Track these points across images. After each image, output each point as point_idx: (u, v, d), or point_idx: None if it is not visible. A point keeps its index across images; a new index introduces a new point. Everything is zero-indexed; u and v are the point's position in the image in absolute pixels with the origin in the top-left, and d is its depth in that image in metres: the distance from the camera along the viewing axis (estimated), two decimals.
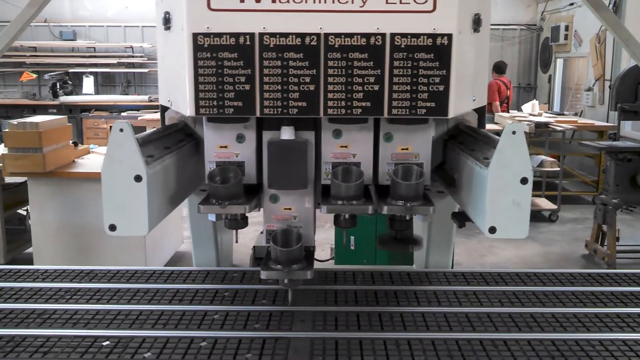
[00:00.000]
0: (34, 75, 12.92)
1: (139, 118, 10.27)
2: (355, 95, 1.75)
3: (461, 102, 1.85)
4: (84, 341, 1.90)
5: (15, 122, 5.04)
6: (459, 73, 1.78)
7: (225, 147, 1.96)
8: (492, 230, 1.71)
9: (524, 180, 1.67)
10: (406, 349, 1.86)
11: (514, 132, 1.66)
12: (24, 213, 6.10)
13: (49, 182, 5.13)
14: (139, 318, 2.07)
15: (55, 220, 5.17)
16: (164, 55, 2.05)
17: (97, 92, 13.22)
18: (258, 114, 1.77)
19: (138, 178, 1.70)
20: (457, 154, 2.03)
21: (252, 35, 1.72)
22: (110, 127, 1.64)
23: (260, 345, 1.88)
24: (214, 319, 2.06)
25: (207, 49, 1.73)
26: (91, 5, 13.55)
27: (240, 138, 1.95)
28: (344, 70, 1.74)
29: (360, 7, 1.72)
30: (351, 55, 1.73)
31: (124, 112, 11.96)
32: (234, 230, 2.09)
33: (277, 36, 1.72)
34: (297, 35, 1.72)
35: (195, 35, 1.73)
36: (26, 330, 1.98)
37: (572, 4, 11.82)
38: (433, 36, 1.73)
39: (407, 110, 1.77)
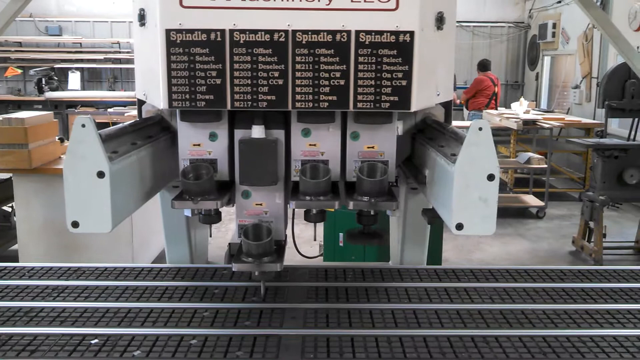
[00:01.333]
0: (19, 71, 12.79)
1: (125, 114, 10.19)
2: (322, 90, 1.82)
3: (424, 97, 1.90)
4: (72, 339, 1.87)
5: (1, 118, 4.98)
6: (421, 68, 1.83)
7: (199, 145, 2.01)
8: (459, 226, 1.72)
9: (490, 177, 1.68)
10: (398, 346, 1.85)
11: (480, 129, 1.66)
12: (9, 210, 6.03)
13: (35, 179, 5.08)
14: (128, 316, 2.04)
15: (41, 217, 5.12)
16: (139, 50, 2.09)
17: (83, 88, 13.10)
18: (229, 107, 1.82)
19: (101, 174, 1.69)
20: (425, 149, 2.07)
21: (222, 31, 1.78)
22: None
23: (251, 343, 1.86)
24: (204, 317, 2.04)
25: (180, 45, 1.79)
26: (77, 1, 13.43)
27: (212, 136, 2.00)
28: (311, 65, 1.80)
29: (327, 5, 1.77)
30: (318, 51, 1.79)
31: (111, 108, 11.85)
32: (209, 226, 2.15)
33: (247, 32, 1.77)
34: (266, 31, 1.77)
35: (168, 32, 1.78)
36: (12, 328, 1.95)
37: (559, 2, 11.90)
38: (396, 33, 1.79)
39: (372, 104, 1.83)
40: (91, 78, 13.72)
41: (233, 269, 1.92)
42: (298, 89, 1.81)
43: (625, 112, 6.60)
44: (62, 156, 5.45)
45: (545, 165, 8.02)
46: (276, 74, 1.80)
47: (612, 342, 1.90)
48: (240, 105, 1.82)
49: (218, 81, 1.80)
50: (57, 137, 5.45)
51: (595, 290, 2.32)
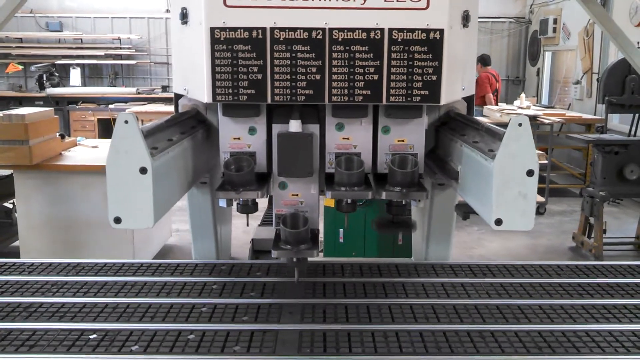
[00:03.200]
0: (20, 67, 12.78)
1: (126, 110, 10.19)
2: (357, 84, 1.92)
3: (452, 91, 2.01)
4: (71, 334, 1.89)
5: (1, 114, 4.98)
6: (449, 64, 1.94)
7: (239, 138, 2.11)
8: (498, 222, 1.74)
9: (530, 173, 1.70)
10: (394, 341, 1.87)
11: (520, 124, 1.69)
12: (10, 206, 6.04)
13: (36, 175, 5.09)
14: (126, 311, 2.06)
15: (42, 214, 5.13)
16: (180, 47, 2.19)
17: (84, 84, 13.10)
18: (269, 100, 1.93)
19: (143, 170, 1.71)
20: (454, 143, 2.13)
21: (264, 29, 1.88)
22: (114, 119, 1.64)
23: (248, 337, 1.88)
24: (202, 312, 2.05)
25: (223, 42, 1.89)
26: None
27: (252, 130, 2.11)
28: (346, 61, 1.91)
29: (362, 4, 1.88)
30: (353, 47, 1.90)
31: (112, 104, 11.87)
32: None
33: (287, 30, 1.89)
34: (305, 29, 1.89)
35: (212, 30, 1.89)
36: (12, 323, 1.97)
37: None
38: (426, 31, 1.90)
39: (404, 97, 1.93)
40: (92, 74, 13.71)
41: (273, 255, 2.01)
42: (334, 84, 1.92)
43: (625, 108, 6.59)
44: (63, 152, 5.47)
45: (546, 161, 8.01)
46: (314, 70, 1.91)
47: (607, 337, 1.91)
48: (279, 99, 1.92)
49: (259, 76, 1.91)
50: (57, 134, 5.46)
51: (592, 286, 2.33)
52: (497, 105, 10.12)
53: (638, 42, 8.10)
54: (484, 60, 10.30)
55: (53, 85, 12.23)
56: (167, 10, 13.42)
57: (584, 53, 10.73)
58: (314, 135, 2.04)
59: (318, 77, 1.91)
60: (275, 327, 1.95)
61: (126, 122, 1.69)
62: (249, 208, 2.14)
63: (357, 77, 1.91)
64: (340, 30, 1.89)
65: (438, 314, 2.05)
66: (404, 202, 2.17)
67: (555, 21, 11.99)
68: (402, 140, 2.11)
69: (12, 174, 5.21)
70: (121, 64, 13.57)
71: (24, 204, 5.16)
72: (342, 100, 1.93)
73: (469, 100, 2.32)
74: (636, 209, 8.06)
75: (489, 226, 1.74)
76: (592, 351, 1.83)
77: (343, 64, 1.91)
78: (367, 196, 2.00)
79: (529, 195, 1.72)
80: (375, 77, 1.92)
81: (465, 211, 2.10)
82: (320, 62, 1.90)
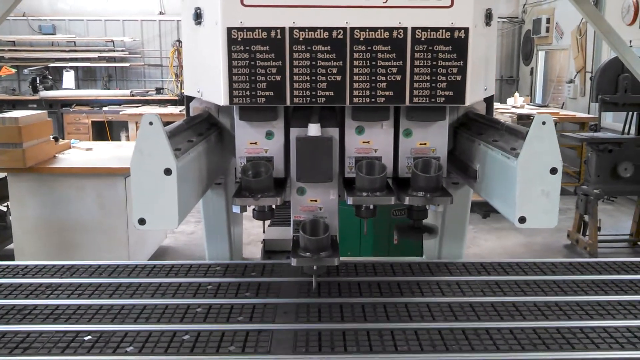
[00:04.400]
0: (13, 70, 12.74)
1: (120, 113, 10.19)
2: (379, 85, 1.87)
3: (475, 91, 1.97)
4: (65, 336, 1.88)
5: None
6: (473, 64, 1.89)
7: (255, 143, 2.06)
8: (522, 220, 1.75)
9: (553, 171, 1.71)
10: (389, 339, 1.87)
11: (544, 123, 1.69)
12: (4, 209, 6.02)
13: (30, 178, 5.08)
14: (121, 312, 2.05)
15: (36, 216, 5.12)
16: (193, 48, 2.13)
17: (77, 87, 13.07)
18: (288, 102, 1.87)
19: (168, 171, 1.70)
20: (473, 143, 2.10)
21: (282, 29, 1.83)
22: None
23: (243, 337, 1.87)
24: (197, 312, 2.05)
25: (241, 43, 1.83)
26: None
27: (269, 135, 2.05)
28: (368, 61, 1.85)
29: (384, 2, 1.83)
30: (375, 47, 1.85)
31: (105, 106, 11.85)
32: (262, 221, 2.15)
33: (306, 30, 1.83)
34: (325, 29, 1.83)
35: (229, 30, 1.83)
36: (6, 326, 1.96)
37: None
38: (451, 30, 1.85)
39: (427, 98, 1.89)
40: (85, 77, 13.68)
41: (292, 264, 1.94)
42: (355, 85, 1.86)
43: (618, 106, 6.62)
44: (56, 155, 5.45)
45: None
46: (334, 71, 1.85)
47: (601, 333, 1.91)
48: (299, 101, 1.86)
49: (278, 78, 1.85)
50: (51, 136, 5.45)
51: (586, 282, 2.33)
52: None
53: (630, 41, 8.14)
54: None
55: (46, 88, 12.20)
56: (161, 13, 13.42)
57: (577, 52, 10.77)
58: (333, 139, 1.97)
59: (339, 78, 1.86)
60: (270, 326, 1.95)
61: (151, 123, 1.68)
62: (265, 214, 2.09)
63: (379, 77, 1.86)
64: (362, 29, 1.83)
65: (433, 312, 2.05)
66: (426, 207, 2.11)
67: (548, 20, 12.03)
68: (424, 144, 2.07)
69: (6, 176, 5.20)
70: (115, 67, 13.55)
71: (18, 207, 5.15)
72: (364, 101, 1.88)
73: (488, 100, 2.28)
74: (630, 207, 8.08)
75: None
76: (586, 347, 1.84)
77: (365, 64, 1.85)
78: (389, 202, 1.94)
79: (552, 193, 1.73)
80: (398, 77, 1.86)
81: (486, 210, 2.10)
82: (341, 62, 1.85)
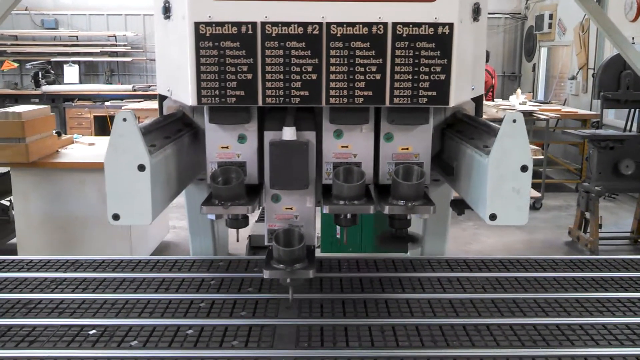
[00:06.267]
0: (16, 65, 12.77)
1: (122, 108, 10.18)
2: (357, 85, 1.75)
3: (461, 91, 1.85)
4: (70, 330, 1.90)
5: None
6: (459, 62, 1.78)
7: (227, 147, 1.96)
8: (493, 217, 1.73)
9: (524, 168, 1.70)
10: (391, 335, 1.88)
11: (514, 121, 1.67)
12: (7, 203, 6.05)
13: (33, 173, 5.10)
14: (125, 307, 2.07)
15: (39, 211, 5.14)
16: (162, 44, 2.02)
17: (80, 82, 13.08)
18: (260, 103, 1.76)
19: (141, 167, 1.69)
20: (456, 143, 2.05)
21: (254, 24, 1.71)
22: (110, 116, 1.64)
23: (246, 332, 1.89)
24: (200, 307, 2.07)
25: (209, 38, 1.72)
26: None
27: (241, 139, 1.96)
28: (345, 59, 1.74)
29: None
30: (353, 44, 1.73)
31: (108, 101, 11.86)
32: (235, 230, 2.07)
33: (279, 25, 1.71)
34: (299, 24, 1.71)
35: (197, 25, 1.71)
36: (11, 320, 1.98)
37: None
38: (435, 25, 1.73)
39: (409, 99, 1.77)
40: (88, 71, 13.69)
41: (264, 276, 1.86)
42: (332, 84, 1.75)
43: (620, 103, 6.63)
44: (59, 150, 5.47)
45: (542, 157, 8.04)
46: (309, 69, 1.73)
47: (601, 330, 1.93)
48: (272, 101, 1.75)
49: (249, 76, 1.74)
50: (54, 131, 5.47)
51: (587, 280, 2.35)
52: (493, 101, 10.14)
53: (633, 38, 8.13)
54: None
55: (49, 83, 12.21)
56: None
57: (579, 49, 10.76)
58: (309, 144, 1.87)
59: (314, 76, 1.73)
60: (272, 321, 1.97)
61: (125, 119, 1.67)
62: (239, 222, 2.00)
63: (357, 76, 1.73)
64: (339, 24, 1.70)
65: (434, 308, 2.07)
66: (408, 217, 2.01)
67: (550, 17, 12.02)
68: (407, 149, 1.95)
69: (9, 171, 5.22)
70: (117, 61, 13.56)
71: (21, 202, 5.17)
72: (341, 102, 1.75)
73: (477, 100, 2.17)
74: (631, 204, 8.09)
75: (485, 221, 1.76)
76: (586, 344, 1.85)
77: (342, 62, 1.73)
78: (368, 211, 1.83)
79: (523, 191, 1.72)
80: (378, 76, 1.74)
81: (461, 207, 2.06)
82: (316, 60, 1.72)
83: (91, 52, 13.14)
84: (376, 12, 1.72)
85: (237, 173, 1.91)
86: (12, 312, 2.04)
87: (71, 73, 12.92)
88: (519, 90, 10.40)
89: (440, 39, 1.74)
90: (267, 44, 1.72)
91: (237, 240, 2.28)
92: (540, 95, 12.93)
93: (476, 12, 1.87)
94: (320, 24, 1.71)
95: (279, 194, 1.97)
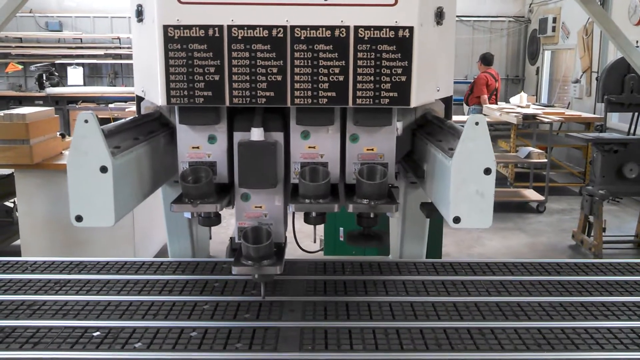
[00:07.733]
0: (20, 67, 12.80)
1: (126, 110, 10.21)
2: (321, 86, 1.81)
3: (424, 93, 1.90)
4: (74, 332, 1.90)
5: (2, 114, 4.99)
6: (421, 64, 1.82)
7: (198, 147, 2.00)
8: (457, 220, 1.74)
9: (487, 171, 1.70)
10: (395, 338, 1.88)
11: (477, 123, 1.68)
12: (11, 205, 6.06)
13: (37, 174, 5.10)
14: (129, 309, 2.07)
15: (43, 213, 5.14)
16: (137, 46, 2.09)
17: (84, 84, 13.11)
18: (227, 103, 1.82)
19: (104, 169, 1.71)
20: (424, 144, 2.08)
21: (220, 27, 1.77)
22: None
23: (250, 335, 1.89)
24: (204, 309, 2.07)
25: (178, 41, 1.78)
26: None
27: (211, 139, 2.00)
28: (309, 61, 1.79)
29: (325, 0, 1.77)
30: (316, 47, 1.78)
31: (112, 103, 11.88)
32: (208, 227, 2.14)
33: (245, 28, 1.77)
34: (265, 27, 1.77)
35: (165, 27, 1.77)
36: (16, 321, 1.98)
37: None
38: (395, 29, 1.78)
39: (371, 100, 1.82)
40: (92, 74, 13.72)
41: (232, 272, 1.91)
42: (297, 85, 1.81)
43: (624, 107, 6.62)
44: (63, 152, 5.48)
45: (546, 160, 8.03)
46: (275, 70, 1.79)
47: (606, 334, 1.92)
48: (239, 101, 1.81)
49: (216, 77, 1.80)
50: (58, 133, 5.47)
51: (591, 283, 2.34)
52: (496, 104, 10.14)
53: (637, 41, 8.12)
54: (485, 60, 10.30)
55: (53, 85, 12.25)
56: None
57: (583, 52, 10.75)
58: (277, 144, 1.93)
59: (279, 78, 1.79)
60: (276, 324, 1.97)
61: (86, 121, 1.69)
62: (211, 221, 2.07)
63: (321, 78, 1.79)
64: (303, 28, 1.77)
65: (438, 312, 2.07)
66: (372, 215, 2.04)
67: (554, 20, 12.02)
68: (372, 149, 2.00)
69: (12, 173, 5.23)
70: (121, 64, 13.58)
71: (25, 203, 5.18)
72: (306, 102, 1.81)
73: (446, 101, 2.23)
74: (636, 208, 8.07)
75: (449, 224, 1.76)
76: (590, 348, 1.85)
77: (306, 64, 1.79)
78: (333, 209, 1.90)
79: (487, 194, 1.72)
80: (341, 78, 1.80)
81: (429, 209, 2.06)
82: (281, 62, 1.78)
83: (95, 55, 13.17)
84: (339, 16, 1.77)
85: (206, 172, 1.96)
86: (16, 313, 2.04)
87: (75, 75, 12.95)
88: (523, 93, 10.40)
89: (400, 41, 1.79)
90: (234, 46, 1.78)
91: (210, 238, 2.30)
92: (544, 99, 12.92)
93: (439, 15, 1.92)
94: (284, 27, 1.77)
95: (248, 193, 2.03)
